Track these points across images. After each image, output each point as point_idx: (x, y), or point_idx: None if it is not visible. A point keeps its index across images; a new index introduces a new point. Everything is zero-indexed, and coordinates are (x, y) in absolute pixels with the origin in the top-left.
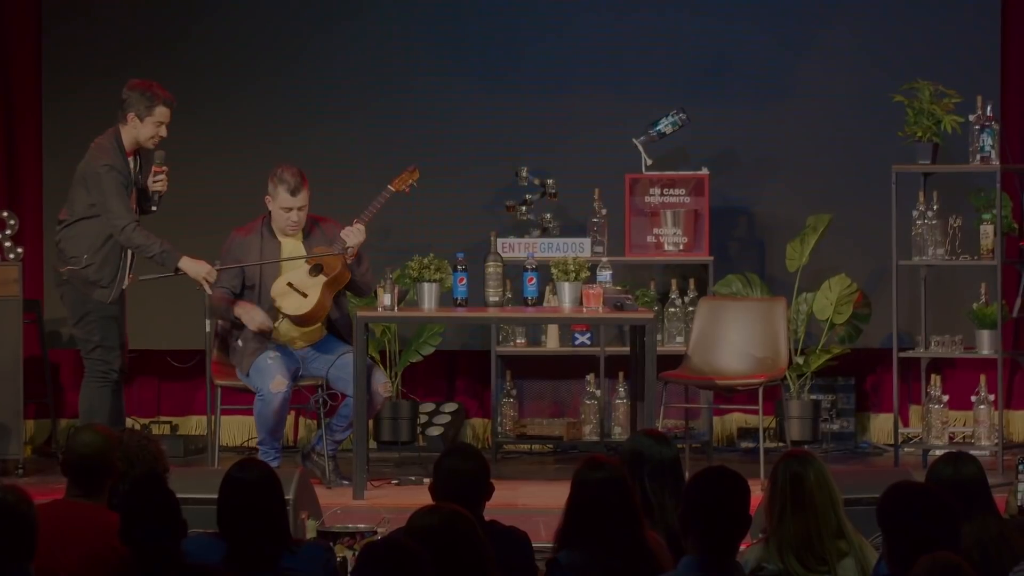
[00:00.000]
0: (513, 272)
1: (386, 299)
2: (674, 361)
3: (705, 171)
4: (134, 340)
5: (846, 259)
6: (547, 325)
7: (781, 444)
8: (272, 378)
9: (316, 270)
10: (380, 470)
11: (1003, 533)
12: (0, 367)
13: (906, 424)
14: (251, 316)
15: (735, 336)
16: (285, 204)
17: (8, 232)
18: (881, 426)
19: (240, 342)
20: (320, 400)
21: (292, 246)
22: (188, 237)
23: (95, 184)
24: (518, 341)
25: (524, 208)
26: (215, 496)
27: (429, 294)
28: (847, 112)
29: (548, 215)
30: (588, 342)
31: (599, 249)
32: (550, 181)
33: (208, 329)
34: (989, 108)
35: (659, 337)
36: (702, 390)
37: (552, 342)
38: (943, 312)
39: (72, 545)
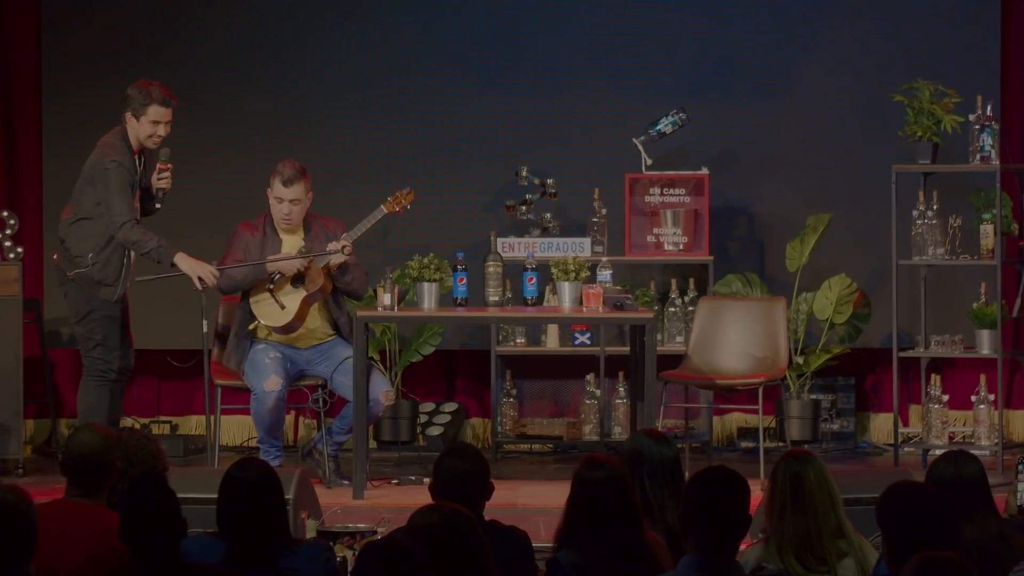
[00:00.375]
0: (513, 272)
1: (386, 299)
2: (674, 361)
3: (705, 171)
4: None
5: (846, 259)
6: (547, 325)
7: (781, 444)
8: (266, 377)
9: (297, 281)
10: (380, 470)
11: (1003, 533)
12: (0, 367)
13: (906, 424)
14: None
15: (735, 336)
16: (278, 194)
17: (8, 232)
18: (881, 426)
19: (231, 338)
20: (320, 399)
21: (293, 243)
22: (187, 236)
23: (102, 180)
24: (518, 341)
25: (524, 208)
26: (215, 496)
27: (429, 294)
28: (847, 112)
29: (548, 215)
30: (588, 342)
31: (599, 249)
32: (550, 181)
33: (207, 329)
34: (989, 108)
35: (659, 337)
36: (702, 390)
37: (552, 342)
38: (943, 312)
39: (72, 545)
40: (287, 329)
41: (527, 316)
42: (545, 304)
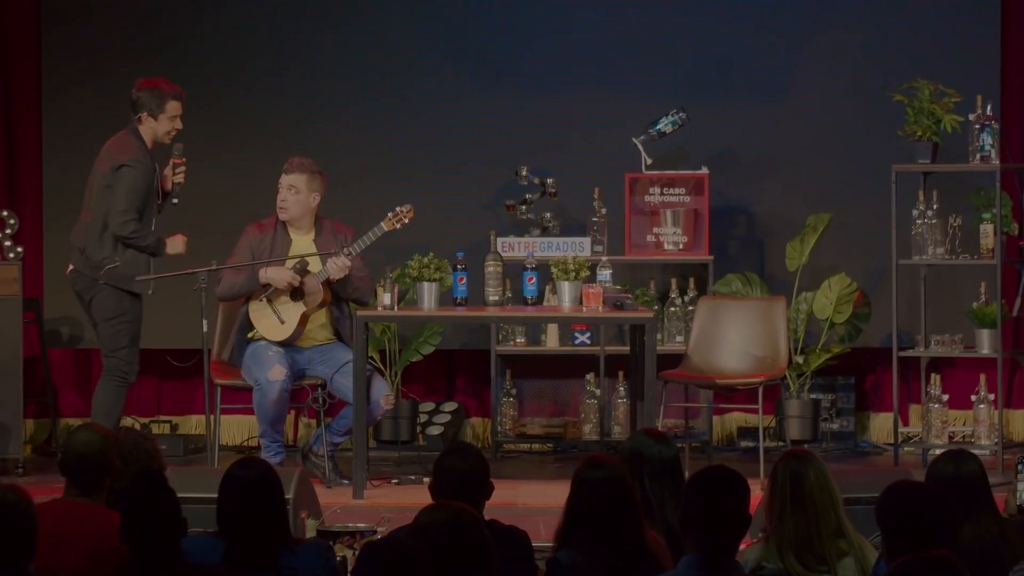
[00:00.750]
0: (513, 271)
1: (386, 298)
2: (674, 360)
3: (705, 170)
4: None
5: (846, 258)
6: (547, 324)
7: (781, 443)
8: (271, 367)
9: (297, 295)
10: (380, 469)
11: (1003, 533)
12: (0, 366)
13: (906, 423)
14: (279, 276)
15: (735, 335)
16: (279, 182)
17: (8, 232)
18: (881, 425)
19: (232, 334)
20: (320, 399)
21: (304, 244)
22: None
23: (119, 179)
24: (518, 340)
25: (524, 207)
26: (215, 495)
27: (429, 293)
28: (847, 112)
29: (548, 214)
30: (588, 341)
31: (599, 248)
32: (550, 180)
33: (207, 329)
34: (989, 107)
35: (659, 336)
36: (702, 389)
37: (552, 341)
38: (943, 311)
39: (71, 544)
40: (286, 343)
41: (527, 316)
42: (545, 304)
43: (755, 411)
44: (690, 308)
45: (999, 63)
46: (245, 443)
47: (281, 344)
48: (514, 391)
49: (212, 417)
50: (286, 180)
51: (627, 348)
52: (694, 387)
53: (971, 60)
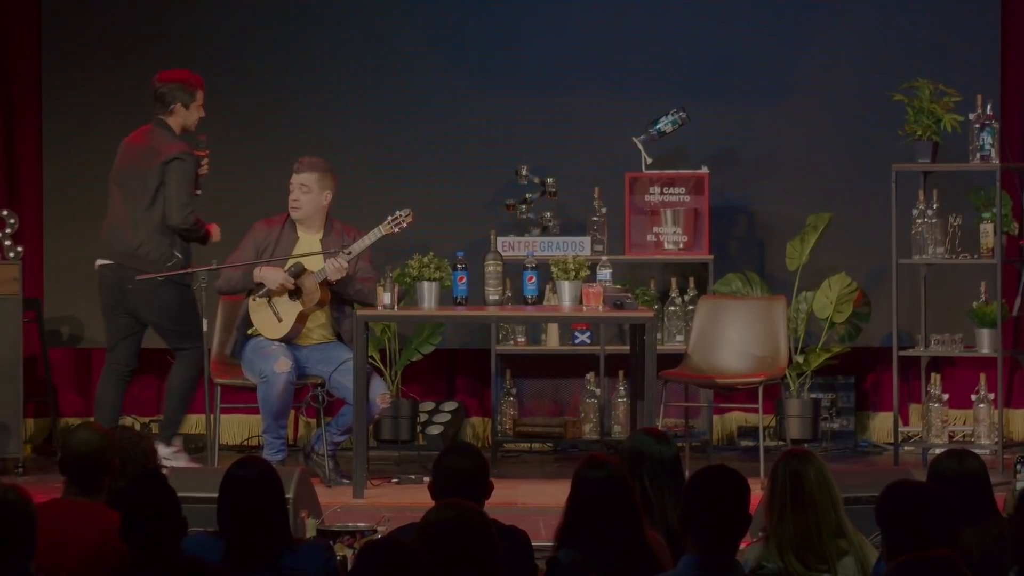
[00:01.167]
0: (513, 271)
1: (386, 298)
2: (674, 360)
3: (705, 170)
4: None
5: (846, 258)
6: (547, 324)
7: (781, 443)
8: (276, 359)
9: (295, 294)
10: (380, 469)
11: (1003, 532)
12: (0, 366)
13: (906, 423)
14: (272, 277)
15: (735, 335)
16: (290, 180)
17: (8, 231)
18: (881, 425)
19: (235, 329)
20: (320, 398)
21: (310, 242)
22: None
23: (171, 172)
24: (518, 340)
25: (524, 207)
26: (215, 495)
27: (429, 293)
28: (847, 111)
29: (548, 214)
30: (588, 341)
31: (599, 248)
32: (550, 180)
33: (207, 328)
34: (989, 107)
35: (659, 336)
36: (702, 389)
37: (552, 341)
38: (943, 311)
39: (71, 544)
40: (283, 340)
41: (527, 315)
42: (545, 303)
43: (755, 411)
44: (690, 308)
45: (999, 63)
46: (245, 443)
47: (279, 341)
48: (514, 390)
49: (212, 417)
50: (297, 179)
51: (627, 348)
52: (694, 387)
53: (971, 60)
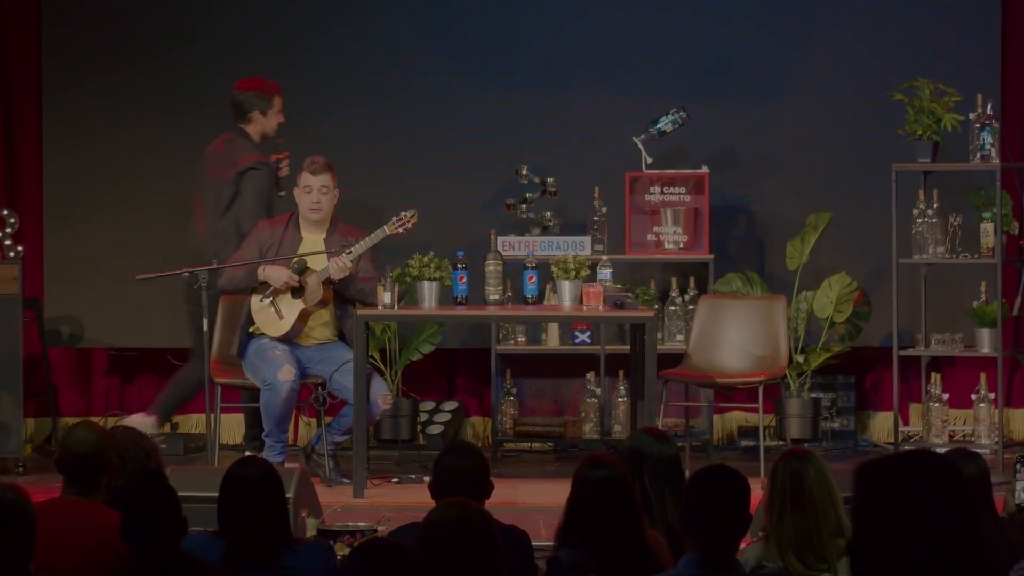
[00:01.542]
0: (513, 270)
1: (386, 297)
2: (674, 359)
3: (705, 169)
4: (133, 339)
5: (846, 257)
6: (547, 323)
7: (781, 442)
8: (280, 367)
9: (297, 293)
10: (380, 468)
11: (1001, 532)
12: (0, 365)
13: (906, 422)
14: (277, 275)
15: (735, 335)
16: (307, 183)
17: (8, 231)
18: (881, 424)
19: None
20: (320, 398)
21: (313, 242)
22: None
23: (247, 182)
24: (518, 339)
25: (524, 206)
26: (215, 494)
27: (429, 292)
28: (847, 111)
29: (548, 213)
30: (588, 340)
31: (599, 247)
32: (550, 179)
33: (207, 328)
34: (989, 106)
35: (659, 335)
36: (702, 388)
37: (552, 340)
38: (943, 310)
39: (71, 543)
40: (284, 339)
41: (527, 315)
42: (545, 303)
43: (755, 410)
44: (690, 307)
45: (999, 63)
46: (245, 442)
47: (280, 340)
48: (514, 390)
49: (212, 416)
50: (317, 181)
51: (627, 347)
52: (694, 386)
53: (971, 60)
